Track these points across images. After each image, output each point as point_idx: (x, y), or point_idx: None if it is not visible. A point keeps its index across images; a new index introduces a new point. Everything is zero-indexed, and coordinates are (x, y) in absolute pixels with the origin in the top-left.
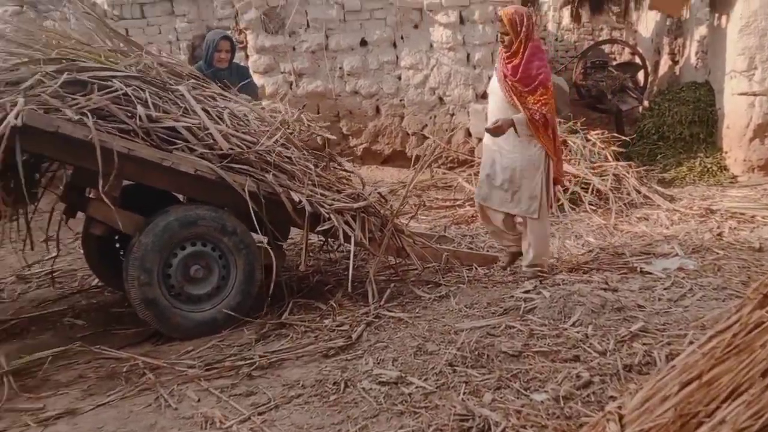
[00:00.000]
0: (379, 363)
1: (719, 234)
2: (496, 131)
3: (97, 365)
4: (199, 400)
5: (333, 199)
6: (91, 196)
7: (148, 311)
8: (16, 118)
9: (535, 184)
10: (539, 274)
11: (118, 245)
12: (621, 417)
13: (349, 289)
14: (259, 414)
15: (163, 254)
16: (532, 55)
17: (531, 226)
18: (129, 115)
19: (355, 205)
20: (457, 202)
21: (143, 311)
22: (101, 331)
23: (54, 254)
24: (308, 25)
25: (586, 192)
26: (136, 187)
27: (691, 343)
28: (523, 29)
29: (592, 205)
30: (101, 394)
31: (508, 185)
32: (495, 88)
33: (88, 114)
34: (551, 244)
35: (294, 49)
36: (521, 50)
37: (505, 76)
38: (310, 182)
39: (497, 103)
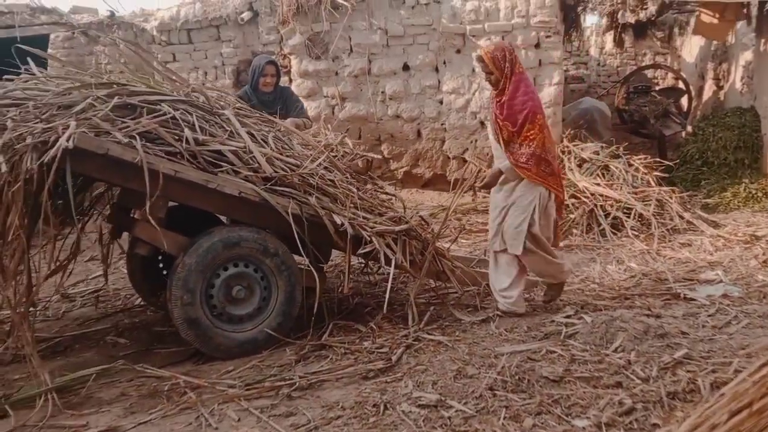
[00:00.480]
0: (418, 386)
1: (765, 261)
2: (486, 188)
3: (139, 383)
4: (239, 420)
5: (375, 222)
6: (136, 216)
7: (190, 331)
8: (67, 140)
9: (521, 221)
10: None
11: (161, 265)
12: None
13: (384, 310)
14: None
15: (205, 275)
16: (516, 90)
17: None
18: (176, 138)
19: (397, 228)
20: None
21: (185, 331)
22: (143, 349)
23: (97, 274)
24: (351, 50)
25: (629, 217)
26: (181, 209)
27: (736, 371)
28: (507, 64)
29: (634, 230)
30: (143, 413)
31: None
32: (490, 132)
33: (137, 137)
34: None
35: (337, 73)
36: (507, 87)
37: (496, 117)
38: (352, 205)
39: (495, 149)
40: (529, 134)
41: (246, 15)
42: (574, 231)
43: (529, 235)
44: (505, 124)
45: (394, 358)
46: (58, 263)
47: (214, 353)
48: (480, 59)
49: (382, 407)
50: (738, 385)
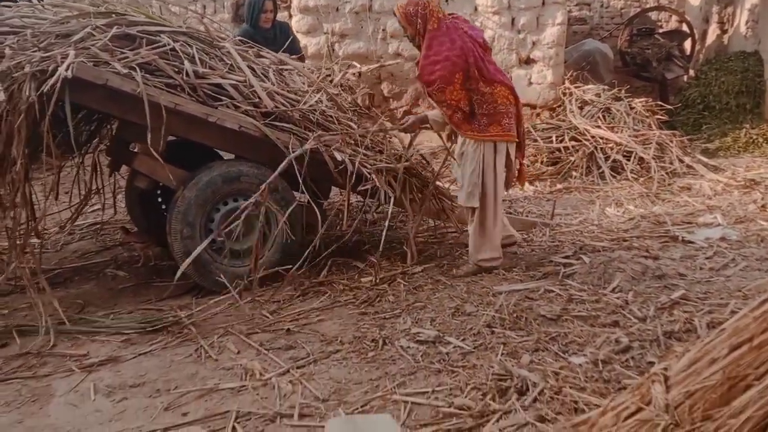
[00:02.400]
0: (417, 322)
1: (763, 206)
2: (405, 131)
3: (139, 315)
4: (239, 353)
5: (375, 160)
6: (135, 149)
7: (190, 264)
8: (66, 70)
9: (471, 173)
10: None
11: (160, 199)
12: (666, 378)
13: (381, 248)
14: (298, 368)
15: (205, 208)
16: (428, 48)
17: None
18: (176, 70)
19: (397, 166)
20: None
21: None
22: (143, 282)
23: (96, 207)
24: None
25: (629, 160)
26: (180, 142)
27: (733, 312)
28: (419, 20)
29: (634, 173)
30: (143, 344)
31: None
32: None
33: (136, 68)
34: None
35: (337, 9)
36: (422, 45)
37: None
38: (352, 142)
39: None
40: (446, 98)
41: None
42: (574, 173)
43: (482, 191)
44: (422, 84)
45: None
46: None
47: (214, 287)
48: (395, 14)
49: (380, 342)
50: (739, 320)
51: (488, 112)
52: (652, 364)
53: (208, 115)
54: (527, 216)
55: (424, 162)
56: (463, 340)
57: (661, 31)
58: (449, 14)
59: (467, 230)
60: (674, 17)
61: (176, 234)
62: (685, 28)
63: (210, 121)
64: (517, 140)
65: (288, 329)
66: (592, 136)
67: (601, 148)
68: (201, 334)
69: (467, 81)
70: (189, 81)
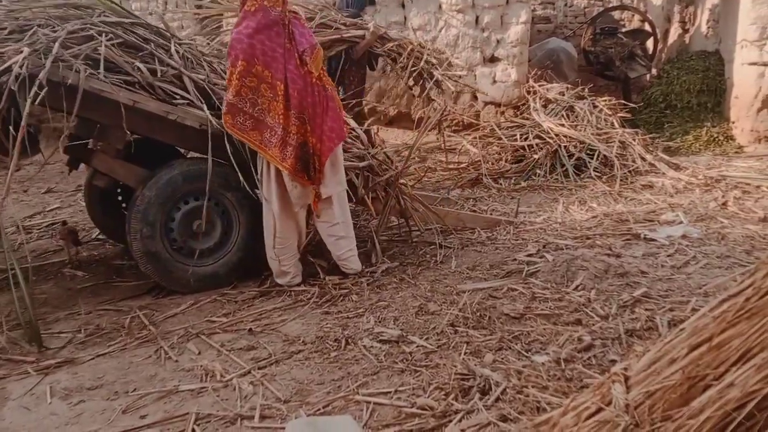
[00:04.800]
0: (380, 321)
1: (724, 203)
2: None
3: (97, 316)
4: (199, 353)
5: None
6: (94, 148)
7: (150, 264)
8: (20, 67)
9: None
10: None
11: (120, 198)
12: (627, 378)
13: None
14: (260, 368)
15: (165, 208)
16: (236, 26)
17: None
18: (134, 67)
19: (360, 164)
20: (461, 165)
21: (145, 264)
22: (102, 282)
23: (55, 206)
24: None
25: (592, 158)
26: (142, 141)
27: (694, 309)
28: None
29: (597, 171)
30: (102, 345)
31: None
32: None
33: (93, 65)
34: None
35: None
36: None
37: None
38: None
39: None
40: (231, 78)
41: None
42: (538, 171)
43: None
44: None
45: (355, 293)
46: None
47: (174, 287)
48: None
49: (343, 342)
50: (698, 320)
51: (256, 115)
52: (614, 362)
53: (168, 113)
54: (491, 214)
55: (388, 160)
56: (427, 339)
57: (623, 30)
58: (291, 11)
59: (430, 228)
60: (637, 16)
61: (136, 233)
62: (647, 27)
63: (170, 119)
64: (282, 165)
65: (250, 329)
66: (556, 135)
67: (565, 147)
68: (161, 334)
69: (248, 76)
70: (147, 78)
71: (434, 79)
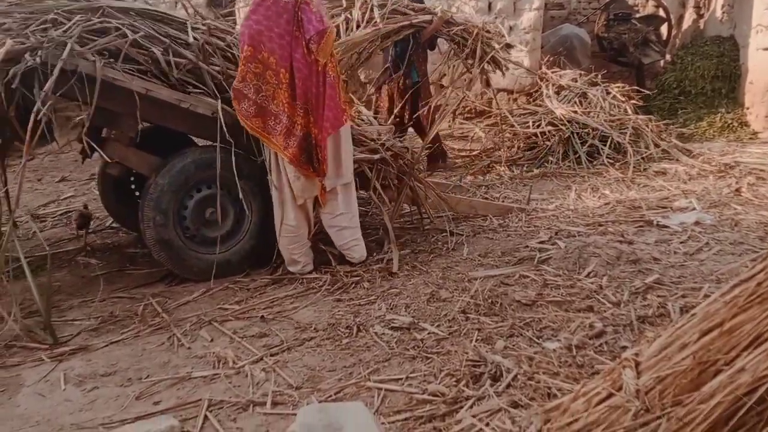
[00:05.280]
0: (392, 309)
1: (737, 190)
2: None
3: (111, 304)
4: (212, 340)
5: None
6: (107, 136)
7: (163, 252)
8: (34, 57)
9: None
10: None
11: (133, 186)
12: (637, 364)
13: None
14: (272, 355)
15: (178, 196)
16: (249, 14)
17: None
18: (147, 57)
19: (375, 157)
20: (474, 152)
21: (158, 252)
22: (116, 270)
23: (69, 194)
24: None
25: (605, 145)
26: (155, 129)
27: (706, 296)
28: None
29: (610, 158)
30: (115, 332)
31: None
32: None
33: (107, 54)
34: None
35: None
36: None
37: None
38: None
39: None
40: (240, 66)
41: None
42: (550, 158)
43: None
44: None
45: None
46: None
47: (187, 275)
48: None
49: (355, 329)
50: (709, 305)
51: (262, 105)
52: (625, 348)
53: (181, 101)
54: (503, 201)
55: (404, 150)
56: (438, 326)
57: (637, 16)
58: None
59: (442, 216)
60: (651, 2)
61: (149, 221)
62: (661, 12)
63: (182, 107)
64: (284, 154)
65: (262, 317)
66: (569, 121)
67: (578, 134)
68: (174, 322)
69: (253, 61)
70: (161, 67)
71: (499, 63)
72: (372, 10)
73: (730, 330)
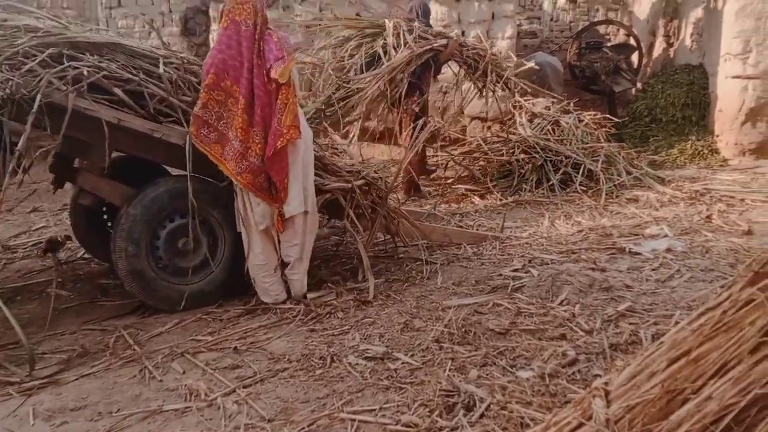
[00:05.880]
0: (365, 338)
1: (708, 216)
2: None
3: (82, 336)
4: (184, 373)
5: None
6: (79, 166)
7: (135, 283)
8: (4, 89)
9: None
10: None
11: (105, 216)
12: (607, 393)
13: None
14: (245, 387)
15: (151, 226)
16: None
17: None
18: (121, 87)
19: (349, 185)
20: (448, 181)
21: (130, 283)
22: (87, 302)
23: (40, 225)
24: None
25: (578, 173)
26: (128, 159)
27: (677, 323)
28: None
29: (582, 186)
30: (86, 365)
31: None
32: None
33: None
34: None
35: (288, 25)
36: None
37: None
38: None
39: None
40: (201, 93)
41: None
42: (524, 186)
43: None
44: None
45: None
46: None
47: (160, 306)
48: None
49: (328, 359)
50: (677, 333)
51: (220, 129)
52: (597, 376)
53: (153, 131)
54: (477, 229)
55: (377, 179)
56: (412, 356)
57: (609, 44)
58: (268, 28)
59: (416, 244)
60: (622, 31)
61: (121, 252)
62: (632, 41)
63: (155, 137)
64: (237, 179)
65: (235, 348)
66: (542, 149)
67: (551, 161)
68: (146, 354)
69: (215, 89)
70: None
71: (507, 83)
72: (404, 36)
73: (697, 358)
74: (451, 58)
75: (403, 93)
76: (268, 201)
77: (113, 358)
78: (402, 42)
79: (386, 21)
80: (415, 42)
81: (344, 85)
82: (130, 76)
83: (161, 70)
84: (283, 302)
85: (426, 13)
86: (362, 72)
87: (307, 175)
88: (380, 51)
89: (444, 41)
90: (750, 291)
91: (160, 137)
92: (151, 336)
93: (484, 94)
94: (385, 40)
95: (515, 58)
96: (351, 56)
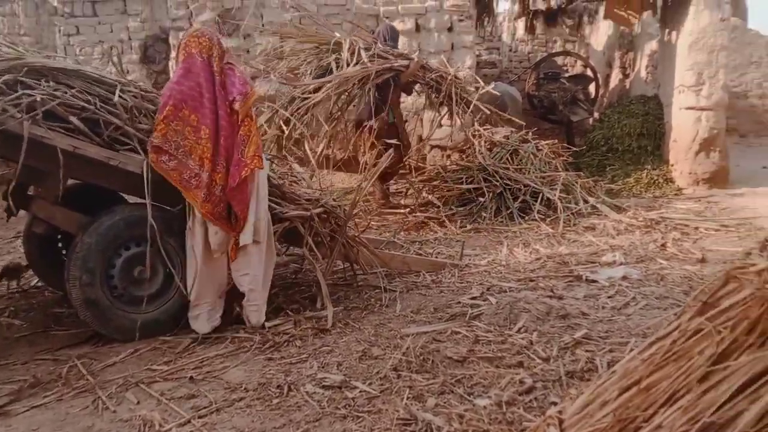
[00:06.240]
0: (323, 367)
1: (663, 245)
2: None
3: (34, 366)
4: (138, 403)
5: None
6: (34, 194)
7: (89, 312)
8: None
9: None
10: None
11: (60, 245)
12: (561, 422)
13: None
14: (200, 417)
15: (106, 254)
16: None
17: None
18: (77, 114)
19: (308, 213)
20: (408, 209)
21: (84, 312)
22: (40, 331)
23: None
24: (263, 28)
25: (536, 201)
26: (84, 186)
27: (632, 350)
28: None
29: (541, 213)
30: (38, 396)
31: None
32: None
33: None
34: None
35: (248, 51)
36: None
37: None
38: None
39: None
40: (158, 122)
41: None
42: (483, 214)
43: None
44: None
45: (300, 339)
46: None
47: (114, 335)
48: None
49: (286, 388)
50: (628, 362)
51: (179, 157)
52: (554, 404)
53: (110, 159)
54: (436, 257)
55: (336, 207)
56: (370, 384)
57: (566, 75)
58: (227, 63)
59: (375, 272)
60: (579, 62)
61: (75, 281)
62: (589, 72)
63: (111, 164)
64: (200, 207)
65: (191, 377)
66: (501, 178)
67: (510, 189)
68: (99, 384)
69: (174, 120)
70: (89, 125)
71: (470, 105)
72: (359, 53)
73: (648, 387)
74: (414, 78)
75: (370, 113)
76: (226, 229)
77: (66, 389)
78: (354, 59)
79: (343, 38)
80: (372, 60)
81: (298, 96)
82: (85, 104)
83: (116, 98)
84: (210, 332)
85: (394, 37)
86: None
87: (260, 206)
88: (333, 65)
89: (405, 62)
90: (698, 321)
91: (116, 165)
92: (105, 365)
93: (448, 118)
94: (340, 55)
95: (482, 83)
96: (303, 65)
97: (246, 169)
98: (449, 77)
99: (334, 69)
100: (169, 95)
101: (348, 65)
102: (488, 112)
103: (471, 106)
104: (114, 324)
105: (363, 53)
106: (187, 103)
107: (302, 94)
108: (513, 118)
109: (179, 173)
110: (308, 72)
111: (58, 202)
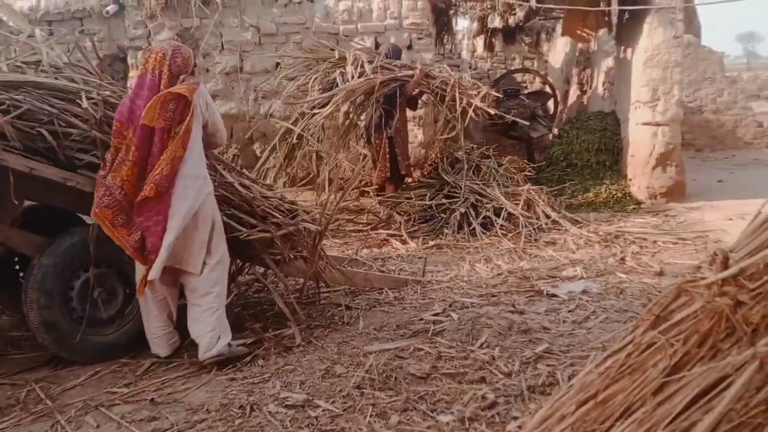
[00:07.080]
0: (286, 386)
1: (622, 258)
2: None
3: None
4: (98, 427)
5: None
6: None
7: (48, 335)
8: None
9: None
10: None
11: (17, 267)
12: None
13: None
14: None
15: (64, 276)
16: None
17: None
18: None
19: (269, 236)
20: (369, 226)
21: (42, 335)
22: None
23: None
24: (222, 47)
25: (498, 216)
26: (41, 206)
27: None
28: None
29: (503, 229)
30: None
31: None
32: None
33: None
34: None
35: (207, 70)
36: None
37: None
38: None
39: None
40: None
41: (111, 8)
42: (446, 230)
43: None
44: None
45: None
46: None
47: (74, 358)
48: None
49: (248, 408)
50: (585, 376)
51: (109, 186)
52: (515, 418)
53: (67, 180)
54: (399, 274)
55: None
56: (333, 402)
57: (526, 92)
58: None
59: (338, 289)
60: (538, 79)
61: (32, 303)
62: (548, 89)
63: (68, 185)
64: (125, 242)
65: (152, 399)
66: (469, 192)
67: (472, 205)
68: (58, 408)
69: (117, 136)
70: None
71: (472, 108)
72: (363, 65)
73: (604, 401)
74: (419, 88)
75: (380, 123)
76: (139, 261)
77: (24, 414)
78: (357, 72)
79: (347, 52)
80: (375, 72)
81: (307, 111)
82: (45, 117)
83: (85, 104)
84: (167, 356)
85: (396, 55)
86: None
87: (205, 232)
88: (339, 79)
89: (410, 72)
90: (652, 334)
91: (74, 186)
92: (64, 389)
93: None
94: (344, 69)
95: (481, 85)
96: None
97: (150, 189)
98: (452, 81)
99: (340, 83)
100: (119, 111)
101: (352, 78)
102: (491, 113)
103: (471, 108)
104: (73, 347)
105: (366, 66)
106: (133, 121)
107: (310, 109)
108: (470, 137)
109: (112, 212)
110: (315, 88)
111: (16, 225)
